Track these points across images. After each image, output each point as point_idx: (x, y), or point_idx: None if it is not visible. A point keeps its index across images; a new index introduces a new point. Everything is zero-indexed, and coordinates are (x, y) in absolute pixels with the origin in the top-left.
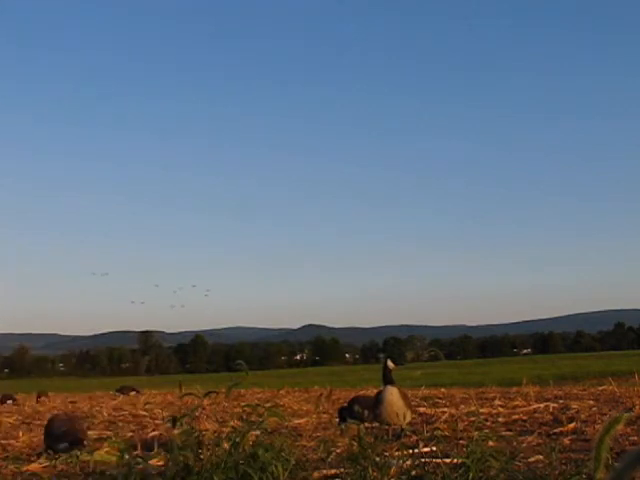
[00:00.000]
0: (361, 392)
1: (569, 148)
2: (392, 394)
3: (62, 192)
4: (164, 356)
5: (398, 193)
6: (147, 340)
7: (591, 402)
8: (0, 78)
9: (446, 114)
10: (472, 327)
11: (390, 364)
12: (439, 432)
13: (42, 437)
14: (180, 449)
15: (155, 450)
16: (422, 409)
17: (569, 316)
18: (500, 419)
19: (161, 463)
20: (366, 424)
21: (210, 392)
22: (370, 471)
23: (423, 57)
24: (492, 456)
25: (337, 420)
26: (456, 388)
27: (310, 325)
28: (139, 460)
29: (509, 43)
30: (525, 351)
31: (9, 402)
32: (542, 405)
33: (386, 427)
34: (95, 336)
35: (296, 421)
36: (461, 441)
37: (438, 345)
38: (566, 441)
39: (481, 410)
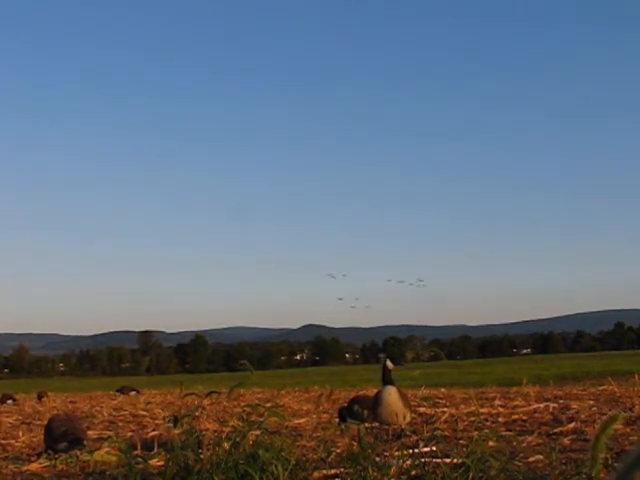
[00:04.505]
0: (361, 392)
1: (569, 148)
2: (390, 394)
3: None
4: (164, 356)
5: (398, 193)
6: (147, 340)
7: (591, 402)
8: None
9: (444, 115)
10: (472, 327)
11: (389, 364)
12: (439, 432)
13: (42, 437)
14: (180, 449)
15: (155, 450)
16: (422, 409)
17: (569, 316)
18: (500, 419)
19: (161, 463)
20: (366, 424)
21: (212, 392)
22: (370, 471)
23: (423, 57)
24: (492, 456)
25: (337, 420)
26: (456, 388)
27: (310, 325)
28: (139, 460)
29: (512, 44)
30: (525, 351)
31: (9, 402)
32: (542, 405)
33: (386, 427)
34: (95, 336)
35: (296, 421)
36: (461, 441)
37: (438, 345)
38: (566, 441)
39: (481, 410)
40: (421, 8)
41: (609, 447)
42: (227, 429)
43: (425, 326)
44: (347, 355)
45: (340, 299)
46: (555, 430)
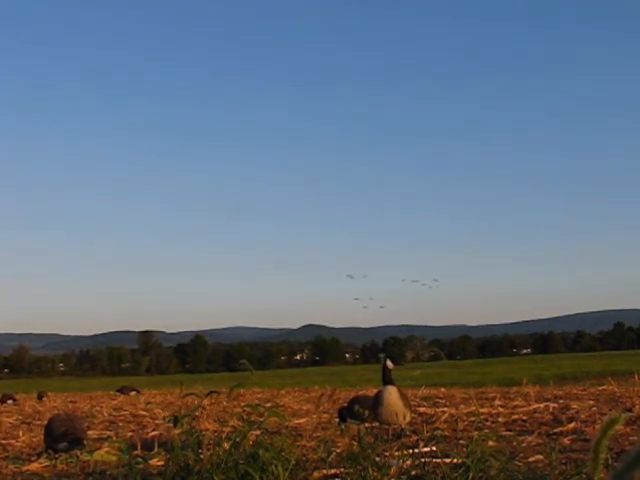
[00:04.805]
0: (361, 392)
1: (570, 148)
2: (391, 394)
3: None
4: (164, 356)
5: (397, 194)
6: (147, 340)
7: (591, 402)
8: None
9: (445, 115)
10: (472, 327)
11: (389, 364)
12: (439, 432)
13: (42, 437)
14: (180, 449)
15: (155, 450)
16: (422, 409)
17: (569, 316)
18: (500, 419)
19: (161, 463)
20: (366, 424)
21: (212, 392)
22: (370, 471)
23: (423, 57)
24: (492, 456)
25: (337, 420)
26: (456, 388)
27: (310, 325)
28: (139, 460)
29: (512, 44)
30: (525, 351)
31: (9, 402)
32: (542, 405)
33: (386, 427)
34: (95, 336)
35: (296, 421)
36: (461, 441)
37: (438, 345)
38: (566, 441)
39: (481, 410)
40: (421, 8)
41: (609, 447)
42: (227, 429)
43: (425, 326)
44: (347, 355)
45: (357, 299)
46: (555, 430)
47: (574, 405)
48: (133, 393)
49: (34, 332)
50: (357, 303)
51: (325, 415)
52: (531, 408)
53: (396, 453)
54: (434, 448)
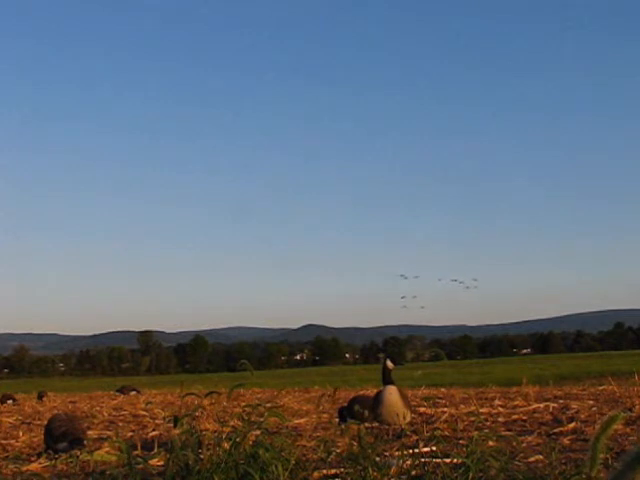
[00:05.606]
0: (361, 392)
1: (569, 146)
2: (392, 394)
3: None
4: (164, 356)
5: (395, 194)
6: (147, 340)
7: (591, 402)
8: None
9: (447, 115)
10: (472, 327)
11: (389, 364)
12: (439, 432)
13: (42, 437)
14: (180, 449)
15: (155, 450)
16: (422, 409)
17: (569, 316)
18: (500, 419)
19: (161, 463)
20: (366, 424)
21: (212, 392)
22: (370, 471)
23: (425, 57)
24: (492, 456)
25: (337, 420)
26: (456, 388)
27: (310, 325)
28: (139, 460)
29: (513, 43)
30: (525, 351)
31: (9, 402)
32: (542, 405)
33: (386, 427)
34: (95, 336)
35: (296, 421)
36: (461, 441)
37: (438, 345)
38: (566, 441)
39: (481, 410)
40: (421, 8)
41: (609, 447)
42: (227, 429)
43: (425, 326)
44: (347, 355)
45: (403, 297)
46: (555, 430)
47: (574, 405)
48: (133, 393)
49: (34, 332)
50: (354, 303)
51: (325, 415)
52: (531, 408)
53: (396, 453)
54: (434, 448)
